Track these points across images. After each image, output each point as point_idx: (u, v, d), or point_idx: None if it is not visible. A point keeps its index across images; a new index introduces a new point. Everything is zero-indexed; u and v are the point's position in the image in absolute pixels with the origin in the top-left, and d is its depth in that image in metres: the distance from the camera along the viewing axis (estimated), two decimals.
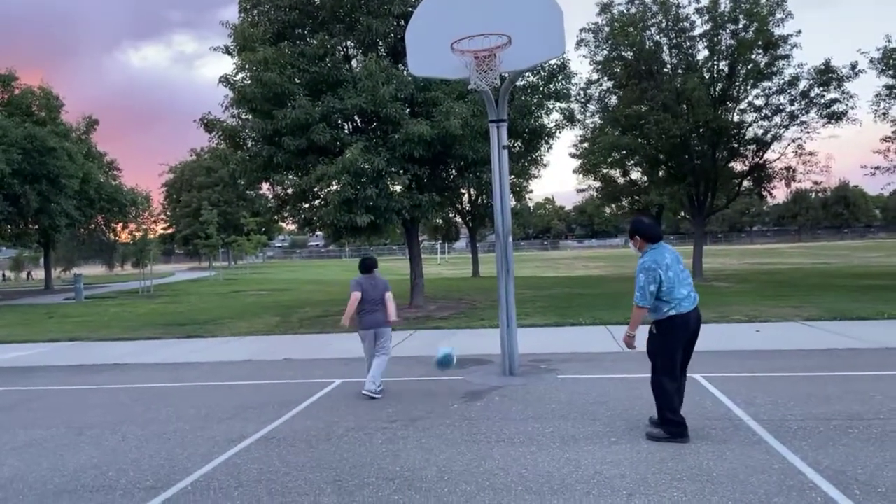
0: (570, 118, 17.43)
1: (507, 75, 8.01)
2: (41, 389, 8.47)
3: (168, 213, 63.38)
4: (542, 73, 15.52)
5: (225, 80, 14.17)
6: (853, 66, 20.05)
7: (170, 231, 63.79)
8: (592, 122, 24.54)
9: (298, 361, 9.60)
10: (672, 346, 4.94)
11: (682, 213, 29.67)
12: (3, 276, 55.25)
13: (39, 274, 46.56)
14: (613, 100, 23.53)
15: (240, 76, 14.13)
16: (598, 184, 28.83)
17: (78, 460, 5.27)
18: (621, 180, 27.51)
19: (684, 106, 20.62)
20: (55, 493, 4.55)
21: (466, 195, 31.00)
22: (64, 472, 4.98)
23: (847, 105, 20.57)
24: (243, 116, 14.67)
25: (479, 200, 31.05)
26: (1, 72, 31.10)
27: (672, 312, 4.89)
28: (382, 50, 14.36)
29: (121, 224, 37.23)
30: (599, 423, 5.62)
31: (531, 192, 34.43)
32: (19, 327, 15.98)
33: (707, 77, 21.23)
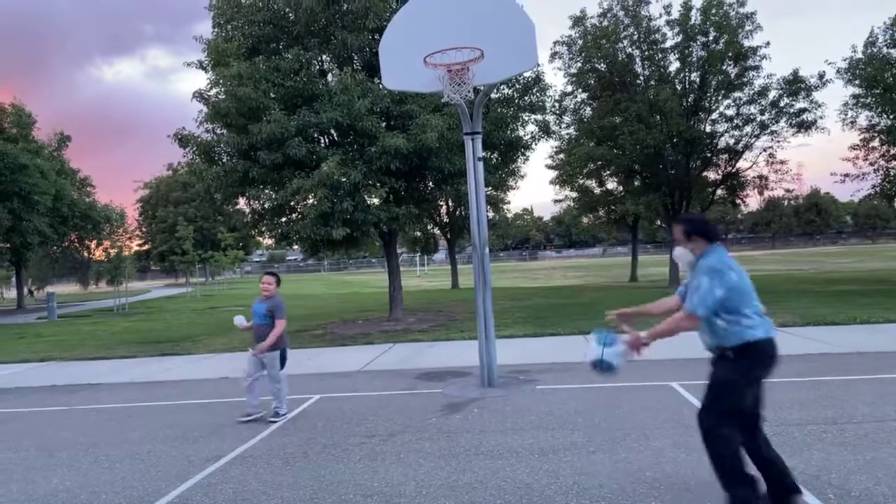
0: (545, 130, 17.58)
1: (480, 88, 8.07)
2: (12, 412, 8.28)
3: (143, 229, 62.65)
4: (517, 86, 15.65)
5: (199, 96, 14.07)
6: (821, 76, 20.55)
7: (145, 247, 63.03)
8: (568, 134, 24.82)
9: None
10: (752, 379, 3.78)
11: (658, 223, 30.04)
12: None
13: (12, 293, 45.63)
14: (588, 111, 23.83)
15: (214, 91, 14.06)
16: (574, 194, 29.14)
17: (49, 484, 5.14)
18: (597, 190, 27.82)
19: (657, 117, 20.94)
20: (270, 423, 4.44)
21: (444, 207, 31.09)
22: (34, 497, 4.86)
23: (816, 114, 21.06)
24: (218, 131, 14.57)
25: (457, 212, 31.15)
26: None
27: (759, 334, 3.70)
28: (358, 64, 14.38)
29: (95, 241, 36.72)
30: (578, 433, 5.63)
31: (509, 203, 34.62)
32: None
33: (679, 88, 21.60)
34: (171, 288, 52.81)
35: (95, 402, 8.49)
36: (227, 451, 5.71)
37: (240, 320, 7.07)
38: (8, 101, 31.84)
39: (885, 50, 19.13)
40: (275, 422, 6.65)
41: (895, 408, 5.85)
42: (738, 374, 3.74)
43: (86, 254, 38.57)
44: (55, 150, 34.50)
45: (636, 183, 24.30)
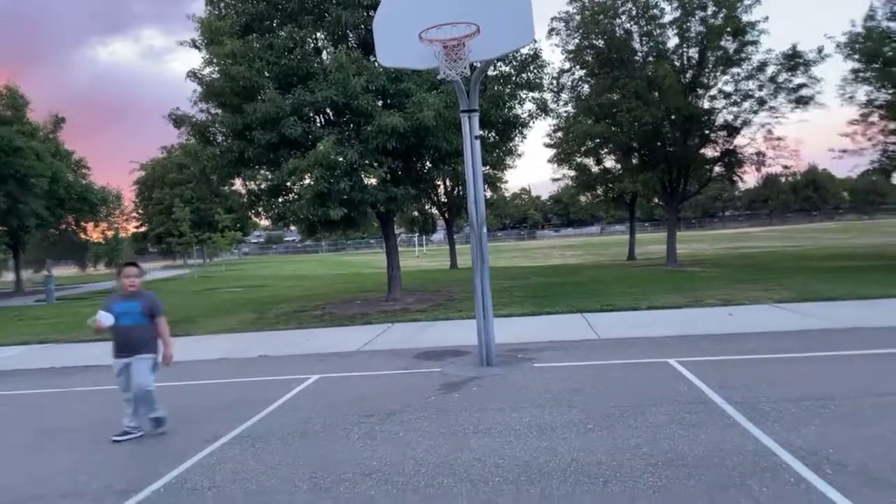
0: (543, 108, 17.41)
1: (477, 64, 7.96)
2: (11, 394, 8.29)
3: (140, 211, 62.41)
4: (514, 63, 15.48)
5: (193, 75, 13.91)
6: (820, 51, 20.35)
7: (142, 229, 62.84)
8: (566, 112, 24.63)
9: (275, 358, 9.50)
10: None
11: (656, 200, 29.98)
12: None
13: (10, 276, 45.56)
14: (586, 88, 23.63)
15: (208, 70, 13.90)
16: (572, 173, 29.00)
17: (48, 465, 5.16)
18: (595, 169, 27.68)
19: (656, 94, 20.77)
20: (24, 500, 4.45)
21: (442, 187, 30.95)
22: (35, 477, 4.87)
23: (814, 89, 20.89)
24: (213, 111, 14.43)
25: (455, 192, 31.02)
26: None
27: None
28: (353, 41, 14.21)
29: (92, 223, 36.59)
30: (576, 410, 5.64)
31: (506, 182, 34.50)
32: None
33: (678, 64, 21.40)
34: (169, 270, 52.74)
35: (94, 385, 8.50)
36: (226, 431, 5.72)
37: (107, 318, 5.67)
38: (1, 83, 31.43)
39: (884, 23, 18.93)
40: (163, 430, 5.82)
41: (892, 383, 5.86)
42: None
43: (83, 236, 38.46)
44: (50, 132, 34.21)
45: (634, 161, 24.17)
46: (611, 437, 4.87)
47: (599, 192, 30.16)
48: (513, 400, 6.16)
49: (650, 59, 21.52)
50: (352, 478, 4.40)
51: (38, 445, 5.77)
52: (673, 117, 21.06)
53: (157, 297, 6.06)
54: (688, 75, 21.46)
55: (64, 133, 35.69)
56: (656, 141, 22.20)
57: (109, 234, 30.99)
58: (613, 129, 22.07)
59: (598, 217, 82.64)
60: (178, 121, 14.26)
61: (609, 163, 26.89)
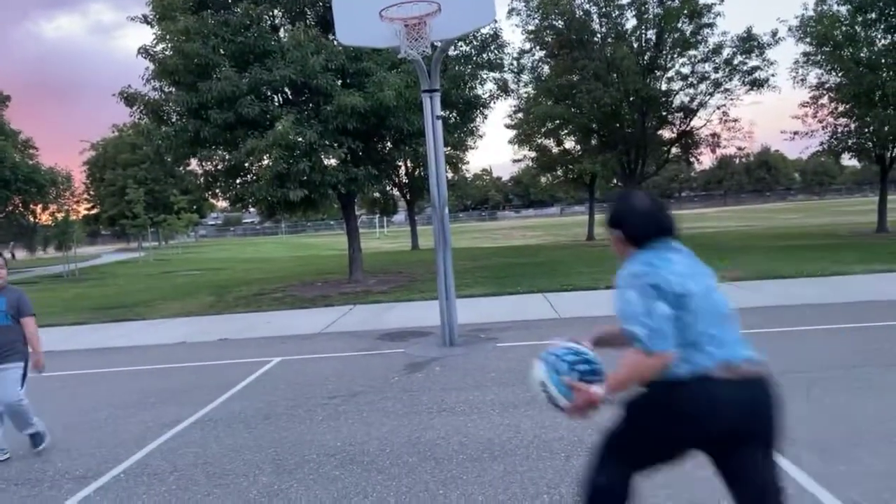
0: (503, 88, 17.43)
1: (438, 44, 7.90)
2: None
3: (91, 192, 60.47)
4: (475, 43, 15.43)
5: (144, 52, 13.47)
6: (774, 34, 20.80)
7: (94, 211, 60.94)
8: (526, 93, 24.70)
9: (235, 341, 9.39)
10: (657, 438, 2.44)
11: (615, 181, 30.39)
12: None
13: None
14: (546, 70, 23.71)
15: (160, 47, 13.47)
16: (533, 154, 29.16)
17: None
18: (555, 150, 27.89)
19: (614, 75, 20.97)
20: (31, 482, 4.31)
21: (403, 168, 30.77)
22: None
23: (768, 72, 21.38)
24: (166, 90, 14.02)
25: (416, 173, 30.88)
26: None
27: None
28: (311, 19, 13.94)
29: (40, 206, 35.33)
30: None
31: (468, 163, 34.51)
32: None
33: (636, 46, 21.62)
34: (123, 253, 51.46)
35: (47, 370, 8.25)
36: (187, 415, 5.64)
37: None
38: None
39: (835, 7, 19.44)
40: (43, 447, 4.95)
41: (843, 358, 6.10)
42: None
43: (31, 218, 37.13)
44: None
45: (593, 142, 24.45)
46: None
47: (559, 172, 30.43)
48: (476, 379, 6.22)
49: (609, 40, 21.70)
50: (316, 459, 4.40)
51: None
52: (631, 99, 21.33)
53: (26, 293, 5.18)
54: (646, 57, 21.72)
55: (9, 112, 34.26)
56: (615, 122, 22.48)
57: (59, 216, 29.90)
58: (573, 110, 22.24)
59: (558, 198, 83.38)
60: (129, 99, 13.81)
61: (569, 144, 27.14)
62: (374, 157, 14.83)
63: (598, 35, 22.06)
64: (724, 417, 2.26)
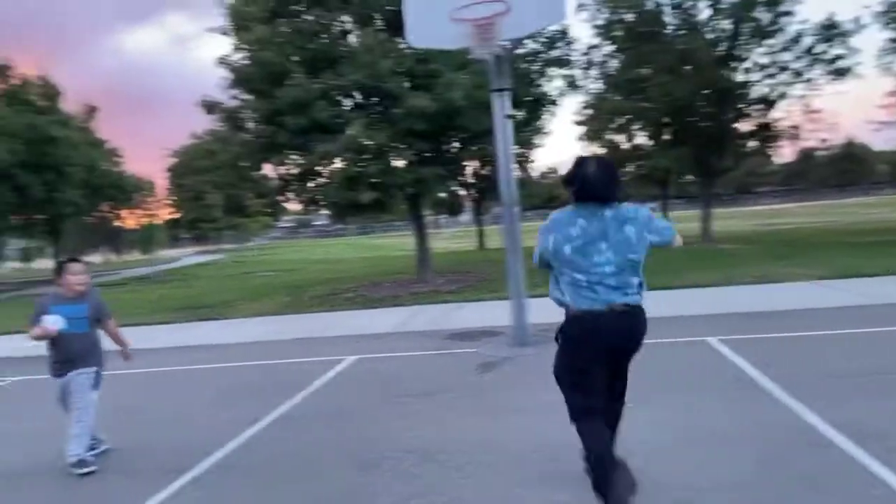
0: (571, 85, 17.23)
1: (508, 43, 7.89)
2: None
3: (173, 197, 63.41)
4: (543, 40, 15.30)
5: (222, 62, 14.03)
6: (857, 21, 19.69)
7: (176, 216, 63.88)
8: (595, 88, 24.29)
9: (311, 340, 9.64)
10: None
11: (689, 177, 29.51)
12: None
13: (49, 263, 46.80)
14: (615, 64, 23.25)
15: (237, 56, 14.00)
16: (603, 150, 28.66)
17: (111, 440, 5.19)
18: (626, 146, 27.32)
19: (688, 67, 20.34)
20: (80, 476, 4.59)
21: (469, 167, 30.83)
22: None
23: (852, 61, 20.25)
24: (243, 97, 14.55)
25: (484, 172, 30.89)
26: None
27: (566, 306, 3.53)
28: (380, 23, 14.16)
29: (126, 211, 37.35)
30: None
31: (534, 161, 34.25)
32: None
33: (710, 37, 20.90)
34: (202, 255, 53.66)
35: (137, 367, 8.68)
36: (268, 412, 5.81)
37: (58, 321, 4.70)
38: (35, 73, 32.02)
39: None
40: (85, 471, 4.66)
41: None
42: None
43: (118, 223, 39.29)
44: (84, 121, 34.85)
45: (666, 137, 23.79)
46: (648, 415, 4.86)
47: (631, 169, 29.76)
48: (548, 379, 6.12)
49: (682, 32, 21.07)
50: (393, 455, 4.47)
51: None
52: (706, 91, 20.63)
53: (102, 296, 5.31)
54: (721, 48, 20.96)
55: (97, 122, 36.27)
56: (689, 116, 21.80)
57: (144, 221, 31.54)
58: (644, 104, 21.72)
59: (629, 195, 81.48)
60: (209, 107, 14.42)
61: (640, 139, 26.51)
62: (441, 158, 14.93)
63: (670, 27, 21.45)
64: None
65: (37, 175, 27.20)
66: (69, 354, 4.79)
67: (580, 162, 3.35)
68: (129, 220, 39.99)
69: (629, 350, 3.53)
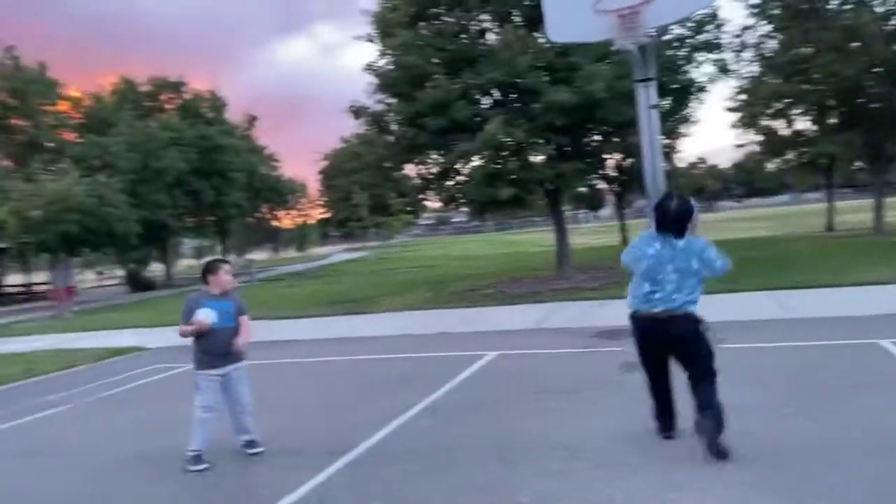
0: (722, 69, 16.21)
1: (654, 31, 7.59)
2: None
3: (325, 198, 67.32)
4: (691, 24, 14.55)
5: (369, 68, 14.72)
6: None
7: (327, 215, 67.78)
8: (749, 72, 22.71)
9: (453, 334, 9.88)
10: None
11: (858, 164, 26.79)
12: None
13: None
14: (772, 45, 21.60)
15: (381, 62, 14.62)
16: (759, 137, 26.81)
17: (260, 429, 5.35)
18: (785, 131, 25.32)
19: (855, 44, 18.47)
20: (252, 455, 5.03)
21: (611, 160, 29.98)
22: (268, 435, 5.29)
23: None
24: (387, 101, 15.17)
25: (626, 165, 29.91)
26: (173, 79, 34.44)
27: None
28: (518, 19, 14.18)
29: (283, 211, 40.27)
30: (771, 392, 5.29)
31: (681, 152, 32.65)
32: None
33: (880, 11, 18.83)
34: (350, 252, 56.51)
35: (294, 357, 9.39)
36: (415, 403, 6.01)
37: (210, 314, 4.95)
38: (205, 87, 35.42)
39: None
40: (197, 468, 4.90)
41: None
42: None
43: (275, 223, 42.46)
44: (246, 129, 38.01)
45: (832, 120, 21.76)
46: (811, 420, 4.52)
47: (791, 156, 27.52)
48: None
49: (847, 6, 19.15)
50: (539, 451, 4.49)
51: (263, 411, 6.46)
52: (876, 70, 18.62)
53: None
54: (893, 22, 18.81)
55: (256, 130, 39.45)
56: (857, 97, 19.80)
57: (299, 220, 33.88)
58: (805, 86, 20.01)
59: (787, 185, 75.23)
60: (357, 112, 15.19)
61: (801, 124, 24.44)
62: (581, 152, 14.69)
63: (834, 2, 19.57)
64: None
65: (207, 181, 30.11)
66: (222, 348, 4.99)
67: (667, 195, 4.40)
68: (286, 219, 43.02)
69: (674, 344, 4.29)
